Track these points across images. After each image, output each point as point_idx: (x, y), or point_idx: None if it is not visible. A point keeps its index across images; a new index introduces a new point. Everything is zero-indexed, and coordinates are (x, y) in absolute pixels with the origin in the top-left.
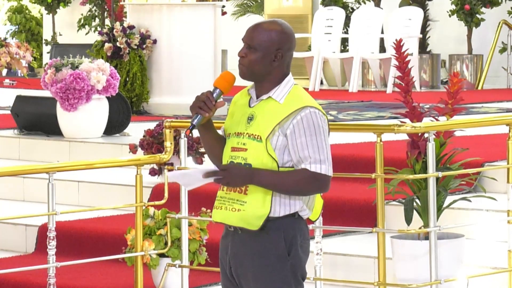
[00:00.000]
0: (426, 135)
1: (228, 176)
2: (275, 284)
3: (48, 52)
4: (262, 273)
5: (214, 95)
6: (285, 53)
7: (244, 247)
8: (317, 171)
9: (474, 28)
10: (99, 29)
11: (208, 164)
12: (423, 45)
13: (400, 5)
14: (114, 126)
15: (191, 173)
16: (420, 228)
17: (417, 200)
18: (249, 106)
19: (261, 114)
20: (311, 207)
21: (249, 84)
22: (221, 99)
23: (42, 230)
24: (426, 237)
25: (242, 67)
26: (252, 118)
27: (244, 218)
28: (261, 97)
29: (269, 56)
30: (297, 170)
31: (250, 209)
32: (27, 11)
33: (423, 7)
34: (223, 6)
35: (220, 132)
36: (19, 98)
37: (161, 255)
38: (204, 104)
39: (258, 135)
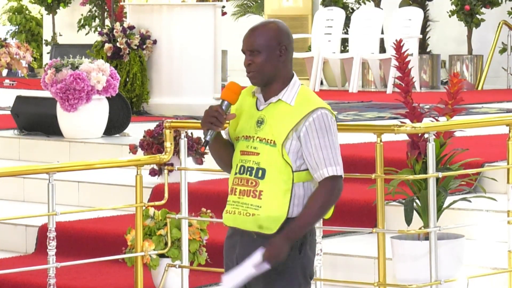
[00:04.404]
0: (426, 135)
1: (275, 254)
2: (284, 283)
3: (48, 53)
4: (273, 272)
5: (224, 108)
6: (288, 46)
7: (254, 246)
8: (334, 174)
9: (474, 28)
10: (99, 29)
11: (208, 164)
12: (423, 46)
13: (400, 6)
14: (114, 127)
15: (244, 272)
16: (420, 228)
17: (417, 201)
18: (257, 109)
19: (272, 118)
20: None
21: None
22: (230, 111)
23: (42, 231)
24: (426, 237)
25: (253, 74)
26: (263, 122)
27: (258, 222)
28: (270, 100)
29: (274, 53)
30: (316, 193)
31: (264, 212)
32: (27, 12)
33: (423, 7)
34: (223, 7)
35: (224, 135)
36: (19, 99)
37: (161, 256)
38: (216, 119)
39: (271, 140)
